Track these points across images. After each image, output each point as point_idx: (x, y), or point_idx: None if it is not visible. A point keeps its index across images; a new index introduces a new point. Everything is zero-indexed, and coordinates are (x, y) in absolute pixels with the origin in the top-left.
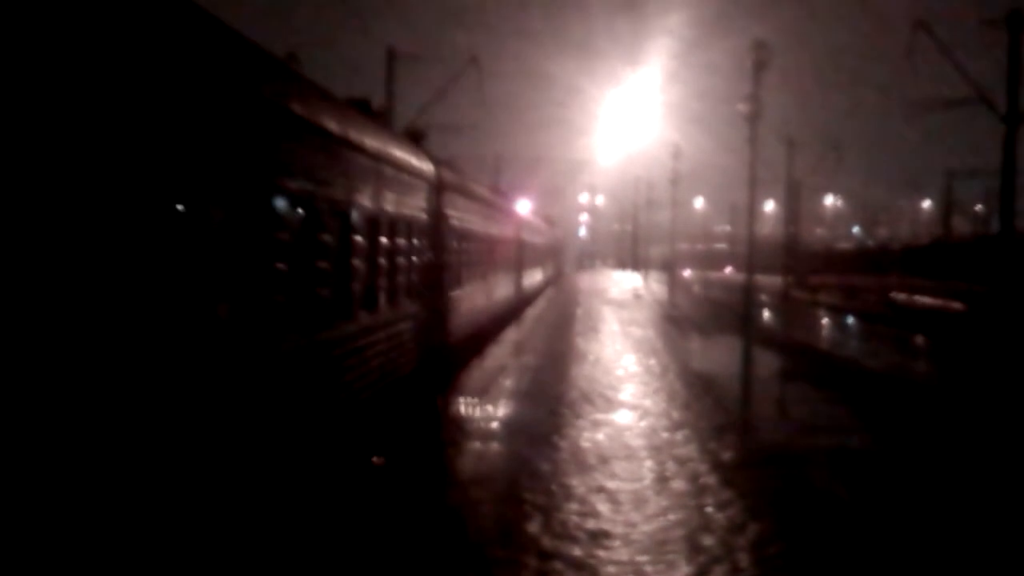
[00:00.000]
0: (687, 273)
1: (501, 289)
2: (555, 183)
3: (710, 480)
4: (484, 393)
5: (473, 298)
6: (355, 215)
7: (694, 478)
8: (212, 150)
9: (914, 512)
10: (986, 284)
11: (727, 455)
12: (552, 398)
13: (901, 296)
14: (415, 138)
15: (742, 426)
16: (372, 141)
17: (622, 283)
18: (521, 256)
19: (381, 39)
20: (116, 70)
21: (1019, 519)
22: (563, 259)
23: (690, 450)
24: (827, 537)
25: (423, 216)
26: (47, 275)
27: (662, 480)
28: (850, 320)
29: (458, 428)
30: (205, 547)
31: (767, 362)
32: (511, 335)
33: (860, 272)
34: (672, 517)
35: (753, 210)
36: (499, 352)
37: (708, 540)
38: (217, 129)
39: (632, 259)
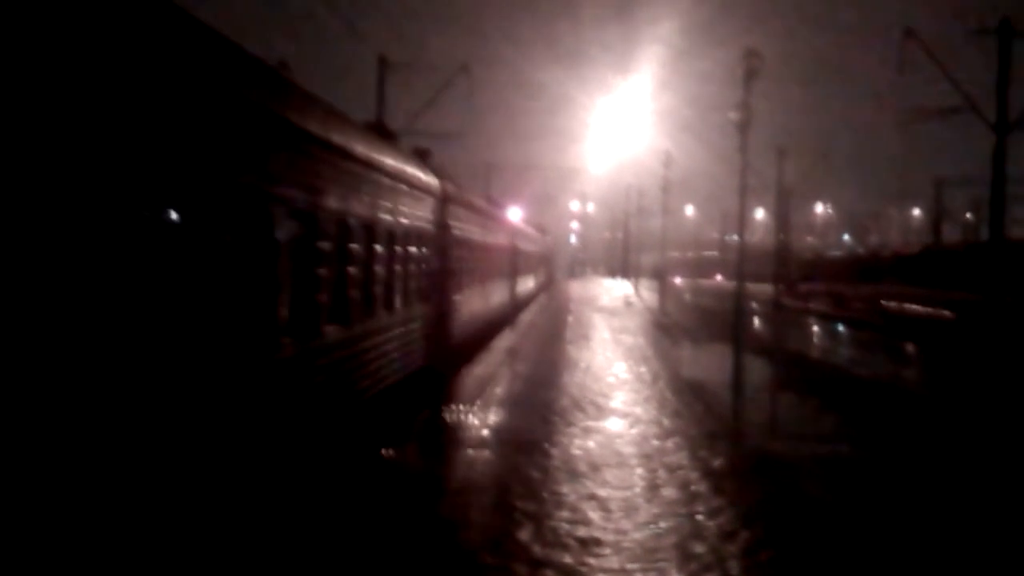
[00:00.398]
0: (678, 281)
1: (497, 295)
2: (546, 191)
3: (701, 488)
4: (476, 398)
5: (472, 303)
6: (377, 228)
7: (685, 486)
8: (282, 185)
9: (903, 519)
10: (976, 292)
11: (718, 462)
12: (543, 405)
13: (891, 304)
14: (422, 155)
15: (733, 433)
16: (390, 161)
17: (613, 291)
18: (515, 263)
19: (372, 46)
20: (209, 132)
21: (1008, 525)
22: (554, 266)
23: (681, 457)
24: (817, 544)
25: (430, 227)
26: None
27: (653, 488)
28: (840, 328)
29: (450, 433)
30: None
31: (758, 370)
32: (504, 341)
33: (850, 280)
34: (663, 524)
35: (743, 218)
36: (492, 359)
37: (699, 547)
38: (286, 169)
39: (623, 267)
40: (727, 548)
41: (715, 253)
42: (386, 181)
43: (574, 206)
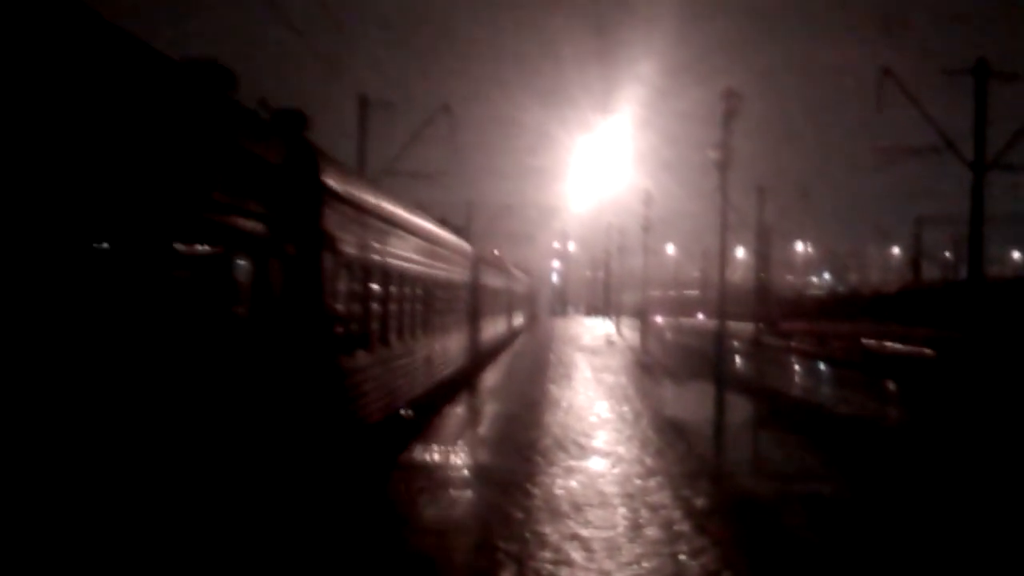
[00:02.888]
0: (659, 319)
1: (501, 324)
2: (527, 229)
3: (684, 527)
4: (459, 438)
5: (488, 329)
6: (453, 281)
7: (668, 525)
8: (419, 270)
9: (887, 558)
10: (956, 330)
11: (700, 502)
12: (526, 445)
13: (871, 342)
14: (459, 231)
15: (715, 473)
16: (455, 241)
17: (594, 329)
18: (512, 302)
19: (352, 85)
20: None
21: (992, 563)
22: (538, 305)
23: (663, 497)
24: None
25: (468, 279)
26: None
27: (636, 527)
28: (821, 366)
29: (433, 475)
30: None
31: (739, 408)
32: (499, 366)
33: (831, 318)
34: (646, 565)
35: (724, 256)
36: (477, 399)
37: None
38: (422, 261)
39: (604, 305)
40: None
41: (696, 292)
42: (453, 255)
43: (555, 245)
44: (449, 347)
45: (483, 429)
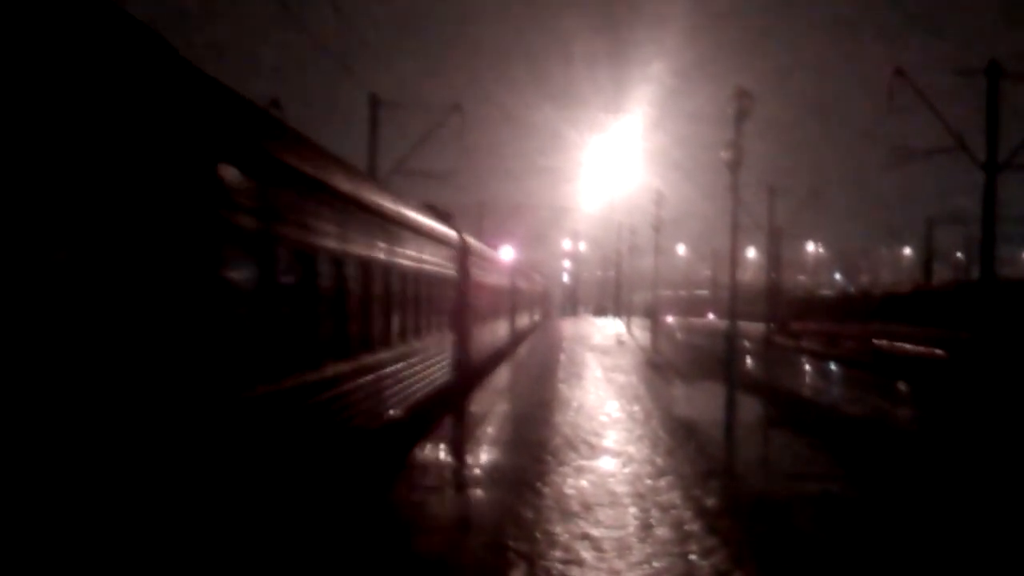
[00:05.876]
0: (670, 319)
1: (526, 317)
2: (538, 230)
3: (694, 527)
4: (469, 437)
5: (521, 319)
6: (505, 288)
7: (678, 525)
8: (493, 282)
9: (897, 558)
10: (967, 330)
11: (711, 502)
12: (536, 444)
13: (883, 343)
14: (493, 247)
15: (726, 472)
16: (503, 259)
17: (605, 329)
18: (533, 300)
19: (363, 85)
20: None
21: (999, 561)
22: (551, 304)
23: (674, 497)
24: None
25: (509, 284)
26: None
27: (646, 527)
28: (832, 367)
29: (443, 473)
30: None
31: (750, 409)
32: (525, 347)
33: (842, 319)
34: (657, 564)
35: (735, 257)
36: (492, 390)
37: None
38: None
39: (615, 305)
40: None
41: (706, 292)
42: (503, 269)
43: (566, 245)
44: (500, 329)
45: (494, 430)
